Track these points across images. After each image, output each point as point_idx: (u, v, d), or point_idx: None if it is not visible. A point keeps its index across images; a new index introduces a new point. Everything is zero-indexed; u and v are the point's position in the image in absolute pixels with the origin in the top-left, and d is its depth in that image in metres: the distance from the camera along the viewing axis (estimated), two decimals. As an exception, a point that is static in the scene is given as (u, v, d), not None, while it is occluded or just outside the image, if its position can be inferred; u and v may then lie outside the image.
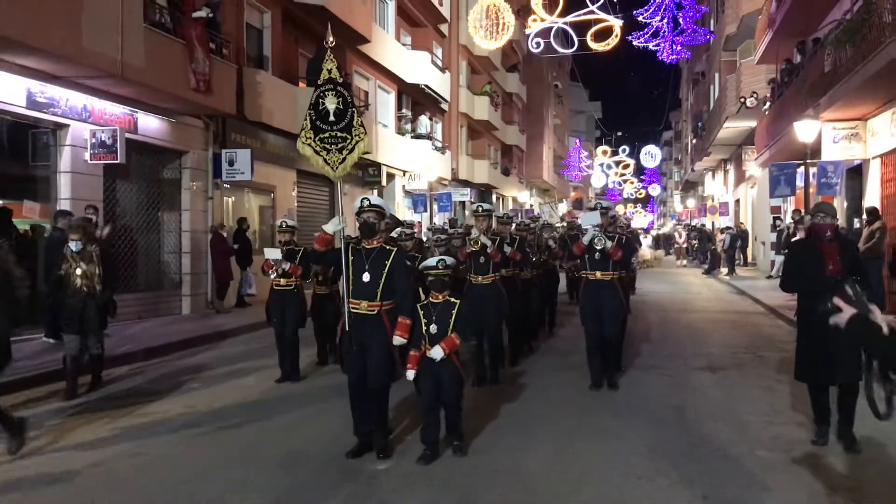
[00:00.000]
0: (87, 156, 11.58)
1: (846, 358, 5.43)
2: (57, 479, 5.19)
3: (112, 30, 10.59)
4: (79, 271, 7.50)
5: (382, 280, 5.53)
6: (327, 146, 5.85)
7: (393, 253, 5.66)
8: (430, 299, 5.66)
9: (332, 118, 5.83)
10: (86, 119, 11.55)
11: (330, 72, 5.87)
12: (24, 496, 4.88)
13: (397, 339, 5.50)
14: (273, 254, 8.36)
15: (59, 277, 7.58)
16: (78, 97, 11.33)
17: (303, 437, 6.19)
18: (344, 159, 5.85)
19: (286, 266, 8.27)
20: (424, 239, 11.04)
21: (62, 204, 11.17)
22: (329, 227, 5.68)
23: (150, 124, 13.12)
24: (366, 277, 5.54)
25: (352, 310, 5.60)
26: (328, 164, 5.86)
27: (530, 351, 10.00)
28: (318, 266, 8.37)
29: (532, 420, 6.65)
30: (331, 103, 5.81)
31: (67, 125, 11.32)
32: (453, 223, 22.25)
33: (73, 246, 7.53)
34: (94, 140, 11.55)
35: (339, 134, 5.84)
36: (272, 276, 8.42)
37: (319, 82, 5.89)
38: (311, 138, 5.86)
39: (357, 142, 5.85)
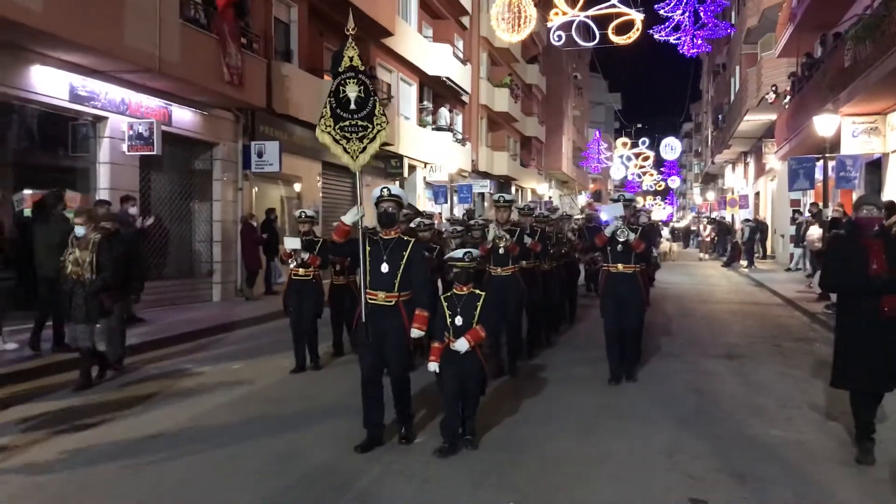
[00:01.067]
0: (124, 147, 12.00)
1: (893, 365, 5.19)
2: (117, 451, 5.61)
3: (150, 26, 11.00)
4: (71, 258, 7.31)
5: (400, 271, 5.51)
6: (347, 135, 5.71)
7: (411, 244, 5.64)
8: (455, 291, 5.61)
9: (352, 106, 5.69)
10: (123, 112, 11.98)
11: (351, 59, 5.72)
12: (46, 476, 5.27)
13: (415, 332, 5.47)
14: (293, 243, 8.36)
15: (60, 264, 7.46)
16: (116, 91, 11.75)
17: (333, 416, 6.54)
18: (364, 148, 5.73)
19: (305, 256, 8.29)
20: (443, 230, 11.15)
21: (101, 194, 11.58)
22: (347, 218, 5.59)
23: (184, 117, 13.55)
24: (384, 268, 5.51)
25: (369, 301, 5.55)
26: (348, 152, 5.73)
27: (548, 344, 9.95)
28: (336, 256, 8.26)
29: (552, 405, 6.90)
30: (352, 91, 5.67)
31: (106, 118, 11.75)
32: (471, 214, 22.56)
33: (77, 231, 7.36)
34: (131, 132, 11.96)
35: (359, 123, 5.71)
36: (291, 266, 8.44)
37: (340, 69, 5.73)
38: (330, 126, 5.71)
39: (378, 131, 5.72)
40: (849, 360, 5.40)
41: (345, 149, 5.71)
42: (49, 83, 10.53)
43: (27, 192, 10.77)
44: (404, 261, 5.52)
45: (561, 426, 6.20)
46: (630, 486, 4.83)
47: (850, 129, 15.15)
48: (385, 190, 5.66)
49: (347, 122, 5.70)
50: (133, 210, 11.16)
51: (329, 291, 9.07)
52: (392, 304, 5.50)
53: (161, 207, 13.53)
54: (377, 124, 5.72)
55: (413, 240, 5.76)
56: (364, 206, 5.64)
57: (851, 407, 5.49)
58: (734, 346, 10.17)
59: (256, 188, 16.50)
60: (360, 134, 5.69)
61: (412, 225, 8.49)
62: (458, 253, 5.71)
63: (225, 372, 8.47)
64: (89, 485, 4.85)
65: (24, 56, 10.02)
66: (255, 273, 15.27)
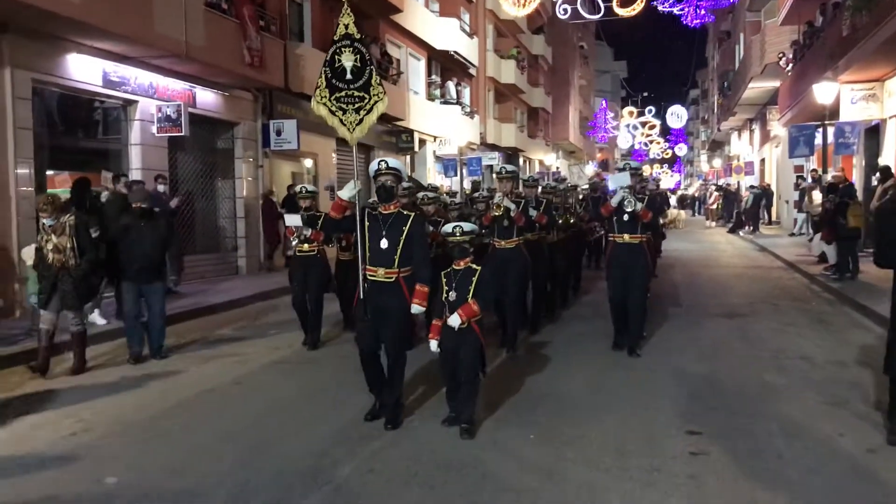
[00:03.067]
0: (154, 129, 12.63)
1: None
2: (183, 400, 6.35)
3: (177, 13, 11.58)
4: (50, 245, 7.03)
5: (400, 246, 5.32)
6: (343, 106, 5.49)
7: (411, 218, 5.44)
8: (453, 266, 5.44)
9: (348, 76, 5.45)
10: (152, 95, 12.60)
11: (347, 27, 5.47)
12: (155, 417, 6.01)
13: (416, 308, 5.35)
14: (294, 220, 8.19)
15: (39, 250, 7.24)
16: (145, 75, 12.37)
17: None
18: (361, 120, 5.52)
19: (308, 232, 8.13)
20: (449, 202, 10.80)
21: (133, 174, 12.20)
22: (344, 193, 5.39)
23: (207, 98, 14.16)
24: (383, 244, 5.33)
25: (368, 277, 5.40)
26: (344, 124, 5.52)
27: (552, 319, 9.65)
28: (334, 232, 7.99)
29: (560, 366, 7.34)
30: (347, 60, 5.43)
31: (136, 101, 12.37)
32: (476, 186, 23.08)
33: (47, 222, 7.10)
34: (160, 115, 12.60)
35: (356, 93, 5.48)
36: (294, 243, 8.33)
37: (335, 38, 5.48)
38: (326, 97, 5.48)
39: (375, 102, 5.51)
40: None
41: (341, 120, 5.54)
42: (84, 70, 11.14)
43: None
44: (404, 236, 5.34)
45: (571, 378, 6.81)
46: (635, 422, 5.51)
47: (848, 96, 15.62)
48: (383, 163, 5.44)
49: (343, 93, 5.49)
50: (162, 188, 11.84)
51: (335, 267, 8.97)
52: (392, 280, 5.36)
53: (187, 186, 14.18)
54: (374, 95, 5.51)
55: (413, 214, 5.57)
56: (360, 181, 5.46)
57: (891, 390, 5.00)
58: (735, 306, 10.81)
59: (273, 165, 17.12)
60: (357, 105, 5.51)
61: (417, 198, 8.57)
62: (449, 227, 5.50)
63: (265, 338, 9.11)
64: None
65: (62, 45, 10.62)
66: (274, 247, 15.93)
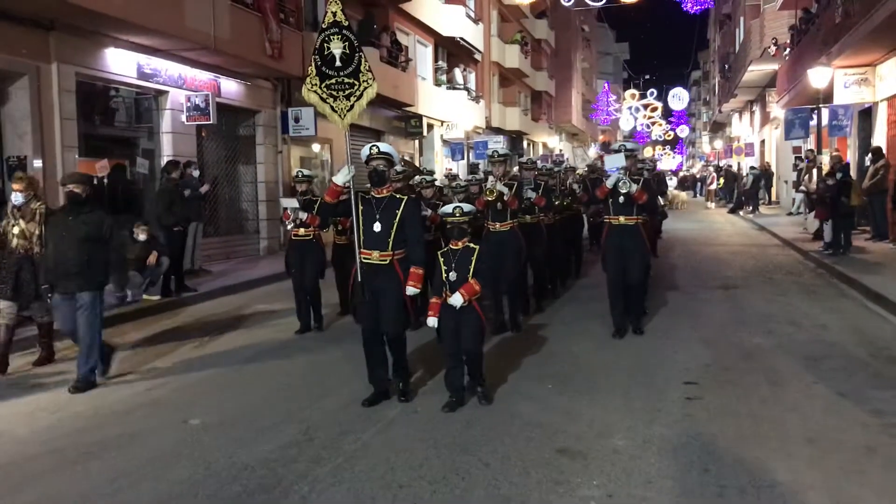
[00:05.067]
0: (183, 118, 13.40)
1: None
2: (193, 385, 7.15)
3: (206, 8, 12.31)
4: (16, 230, 6.73)
5: (394, 229, 5.44)
6: (334, 93, 5.61)
7: (404, 201, 5.54)
8: (451, 246, 5.58)
9: (338, 63, 5.57)
10: (181, 86, 13.37)
11: (335, 14, 5.59)
12: (166, 394, 6.80)
13: (411, 290, 5.44)
14: (290, 203, 8.25)
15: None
16: (175, 67, 13.13)
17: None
18: (352, 106, 5.65)
19: (304, 216, 8.13)
20: (445, 185, 11.08)
21: (165, 161, 12.98)
22: (339, 178, 5.45)
23: (230, 88, 14.92)
24: (377, 227, 5.45)
25: (363, 260, 5.52)
26: (335, 111, 5.66)
27: (553, 297, 9.85)
28: (329, 217, 7.67)
29: (563, 338, 7.76)
30: (336, 48, 5.53)
31: (167, 91, 13.15)
32: (474, 169, 23.77)
33: (15, 199, 6.73)
34: (189, 104, 13.36)
35: (345, 80, 5.60)
36: (289, 227, 8.32)
37: (324, 25, 5.62)
38: (316, 84, 5.61)
39: (365, 88, 5.62)
40: None
41: (332, 107, 5.66)
42: (120, 63, 11.91)
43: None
44: (397, 219, 5.45)
45: (577, 344, 7.49)
46: (638, 376, 6.30)
47: (842, 80, 16.29)
48: (374, 148, 5.52)
49: (333, 80, 5.61)
50: (197, 173, 12.60)
51: (332, 251, 9.08)
52: (387, 262, 5.49)
53: (212, 171, 14.95)
54: (363, 81, 5.62)
55: (406, 197, 5.66)
56: (353, 167, 5.49)
57: None
58: (730, 279, 11.59)
59: (293, 150, 17.83)
60: (347, 91, 5.62)
61: (412, 183, 8.97)
62: (448, 208, 5.64)
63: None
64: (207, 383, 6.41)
65: (100, 40, 11.39)
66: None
